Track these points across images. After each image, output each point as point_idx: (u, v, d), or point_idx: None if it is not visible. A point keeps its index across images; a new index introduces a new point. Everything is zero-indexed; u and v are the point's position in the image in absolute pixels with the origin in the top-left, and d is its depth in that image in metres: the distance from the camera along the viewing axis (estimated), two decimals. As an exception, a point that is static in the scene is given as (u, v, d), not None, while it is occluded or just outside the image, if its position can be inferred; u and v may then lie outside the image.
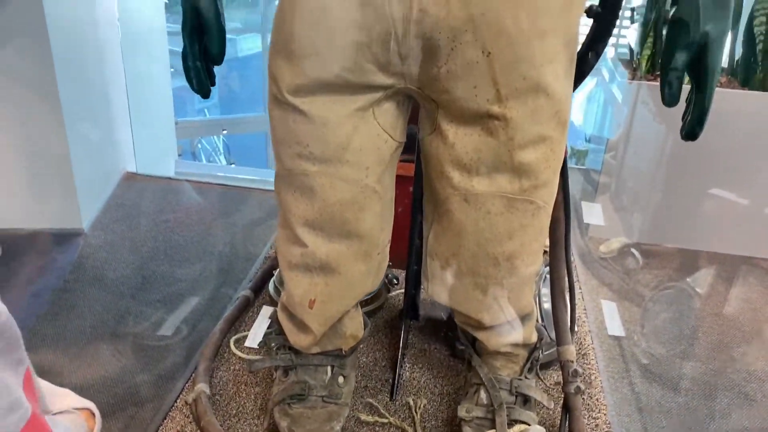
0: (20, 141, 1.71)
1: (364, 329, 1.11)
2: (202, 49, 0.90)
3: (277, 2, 0.84)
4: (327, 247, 0.93)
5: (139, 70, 2.18)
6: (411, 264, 1.25)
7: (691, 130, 0.82)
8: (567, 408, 1.07)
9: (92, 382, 1.20)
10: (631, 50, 2.00)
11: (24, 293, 1.49)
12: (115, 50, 2.05)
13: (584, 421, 1.10)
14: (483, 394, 1.03)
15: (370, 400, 1.17)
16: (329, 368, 1.07)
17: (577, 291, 1.37)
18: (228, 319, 1.33)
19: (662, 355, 1.40)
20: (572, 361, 1.07)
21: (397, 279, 1.47)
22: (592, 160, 2.44)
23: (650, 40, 1.87)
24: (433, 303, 1.36)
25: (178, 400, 1.14)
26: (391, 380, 1.22)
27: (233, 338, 1.31)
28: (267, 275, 1.49)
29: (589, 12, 1.06)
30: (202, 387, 1.13)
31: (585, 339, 1.37)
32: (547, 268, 1.16)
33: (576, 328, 1.34)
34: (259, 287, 1.46)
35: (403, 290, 1.46)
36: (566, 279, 1.11)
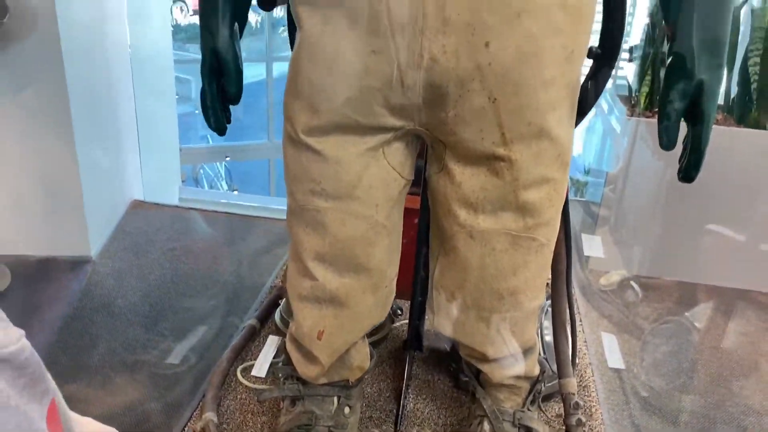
0: (32, 169, 1.75)
1: (370, 360, 1.13)
2: (219, 89, 0.95)
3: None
4: (337, 281, 0.96)
5: (148, 98, 2.23)
6: (416, 295, 1.28)
7: (687, 174, 0.86)
8: (569, 440, 1.09)
9: (101, 411, 1.22)
10: (629, 87, 2.05)
11: (33, 320, 1.51)
12: (125, 78, 2.10)
13: (586, 453, 1.12)
14: (486, 426, 1.05)
15: (375, 431, 1.18)
16: (336, 399, 1.09)
17: (577, 323, 1.39)
18: (235, 348, 1.35)
19: (662, 388, 1.42)
20: (573, 394, 1.09)
21: (401, 310, 1.50)
22: (591, 192, 2.48)
23: (648, 78, 1.92)
24: (437, 334, 1.38)
25: (186, 429, 1.16)
26: (395, 411, 1.24)
27: (240, 367, 1.33)
28: (273, 305, 1.52)
29: (590, 53, 1.11)
30: (210, 416, 1.15)
31: (586, 371, 1.39)
32: (549, 301, 1.18)
33: (577, 361, 1.36)
34: (266, 316, 1.49)
35: (407, 321, 1.48)
36: (567, 312, 1.14)
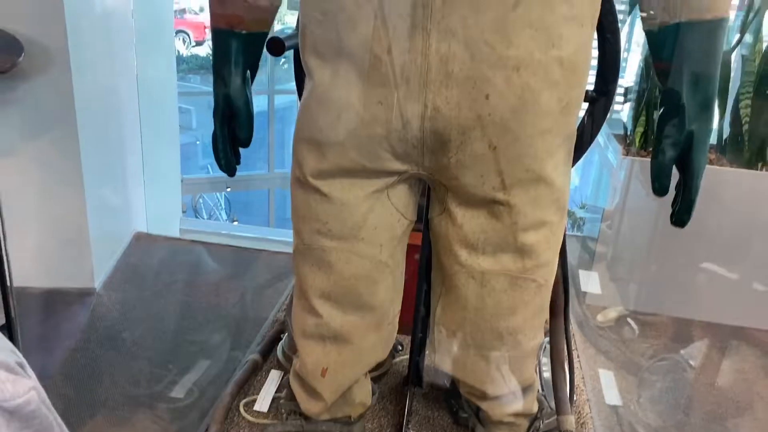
0: (40, 202, 1.78)
1: (372, 396, 1.15)
2: (231, 133, 0.99)
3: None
4: (341, 318, 0.99)
5: (153, 130, 2.27)
6: (416, 332, 1.30)
7: (679, 219, 0.90)
8: (567, 477, 1.10)
9: (105, 444, 1.23)
10: (624, 126, 2.10)
11: (38, 353, 1.52)
12: (133, 111, 2.14)
13: (584, 490, 1.13)
14: (486, 463, 1.07)
15: (376, 466, 1.20)
16: (338, 434, 1.11)
17: (575, 360, 1.41)
18: (237, 383, 1.37)
19: (658, 425, 1.44)
20: (571, 431, 1.11)
21: (402, 345, 1.52)
22: (589, 227, 2.51)
23: (643, 118, 1.97)
24: (437, 370, 1.40)
25: (189, 463, 1.17)
26: (395, 446, 1.25)
27: (243, 402, 1.34)
28: (275, 339, 1.54)
29: (585, 96, 1.16)
30: (213, 450, 1.16)
31: (583, 408, 1.40)
32: (548, 338, 1.21)
33: (575, 397, 1.38)
34: (268, 351, 1.51)
35: (407, 357, 1.50)
36: (565, 350, 1.17)
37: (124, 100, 2.08)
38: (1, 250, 1.14)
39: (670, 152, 0.87)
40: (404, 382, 1.42)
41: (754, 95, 1.83)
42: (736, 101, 1.88)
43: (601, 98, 1.14)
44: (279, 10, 0.98)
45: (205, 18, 8.55)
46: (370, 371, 1.42)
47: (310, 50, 0.87)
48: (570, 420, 1.13)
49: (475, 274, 0.94)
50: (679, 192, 0.91)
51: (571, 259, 2.25)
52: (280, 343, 1.51)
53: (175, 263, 2.05)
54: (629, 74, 2.32)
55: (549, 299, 1.00)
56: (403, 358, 1.53)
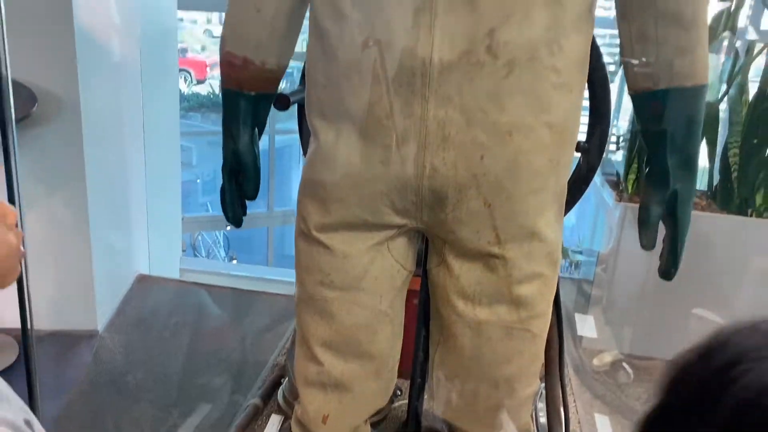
0: (45, 245, 1.82)
1: (371, 442, 1.17)
2: (238, 186, 1.04)
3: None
4: (342, 366, 1.02)
5: (157, 171, 2.32)
6: (415, 377, 1.32)
7: (666, 272, 0.94)
8: None
9: (107, 489, 1.25)
10: (617, 173, 2.16)
11: (41, 396, 1.54)
12: (138, 152, 2.19)
13: None
14: None
15: None
16: (338, 480, 1.13)
17: (571, 404, 1.44)
18: (239, 427, 1.39)
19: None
20: (567, 478, 1.13)
21: (401, 390, 1.54)
22: (585, 270, 2.55)
23: (635, 165, 2.03)
24: (435, 415, 1.42)
25: None
26: (394, 492, 1.27)
27: (243, 446, 1.36)
28: (276, 383, 1.56)
29: (578, 147, 1.21)
30: (214, 496, 1.18)
31: (580, 453, 1.42)
32: (543, 383, 1.24)
33: (571, 443, 1.40)
34: (269, 395, 1.53)
35: (406, 401, 1.52)
36: (561, 397, 1.20)
37: (130, 142, 2.14)
38: (24, 297, 1.17)
39: (656, 209, 0.91)
40: (403, 426, 1.44)
41: (741, 144, 1.90)
42: (725, 149, 1.94)
43: (592, 150, 1.20)
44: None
45: (206, 57, 8.71)
46: (369, 416, 1.44)
47: (315, 112, 0.92)
48: (566, 466, 1.15)
49: (471, 324, 0.98)
50: (665, 247, 0.95)
51: (567, 302, 2.29)
52: (280, 388, 1.53)
53: (176, 306, 2.08)
54: (622, 121, 2.39)
55: (543, 348, 1.04)
56: (402, 402, 1.55)
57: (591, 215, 2.59)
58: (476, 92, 0.81)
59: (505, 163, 0.85)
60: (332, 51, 0.87)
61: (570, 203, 1.22)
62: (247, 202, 1.08)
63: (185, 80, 8.18)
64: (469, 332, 0.98)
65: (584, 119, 1.17)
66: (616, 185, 2.15)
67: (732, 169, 1.94)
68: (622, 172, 2.10)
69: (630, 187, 2.03)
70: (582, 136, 1.22)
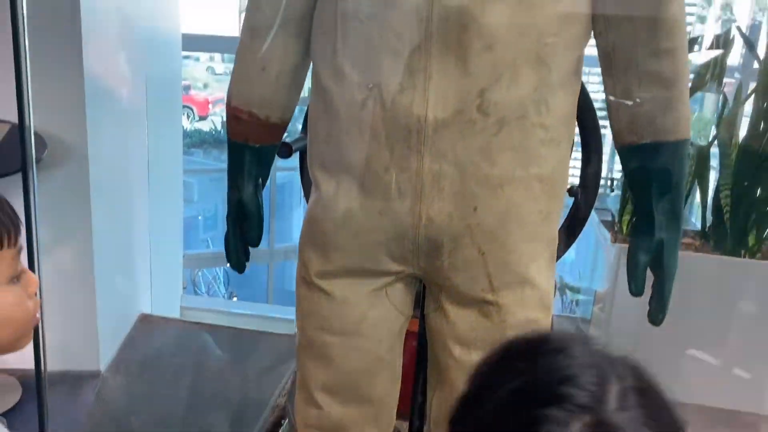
0: (49, 286, 1.84)
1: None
2: (242, 234, 1.08)
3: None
4: (341, 410, 1.05)
5: (160, 212, 2.36)
6: (413, 419, 1.34)
7: (654, 318, 0.98)
8: None
9: None
10: (612, 214, 2.20)
11: (44, 437, 1.56)
12: (143, 192, 2.23)
13: None
14: None
15: None
16: None
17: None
18: (239, 469, 1.40)
19: None
20: None
21: None
22: (582, 309, 2.57)
23: (630, 206, 2.07)
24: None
25: None
26: None
27: (244, 488, 1.37)
28: (276, 425, 1.58)
29: (571, 191, 1.25)
30: None
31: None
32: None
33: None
34: (269, 437, 1.54)
35: (404, 443, 1.53)
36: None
37: (134, 183, 2.18)
38: (39, 340, 1.20)
39: (643, 257, 0.95)
40: (402, 469, 1.45)
41: (732, 187, 1.94)
42: (716, 192, 1.99)
43: (585, 192, 1.24)
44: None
45: (209, 94, 8.82)
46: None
47: (317, 164, 0.97)
48: None
49: (468, 370, 1.00)
50: (652, 294, 0.98)
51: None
52: (281, 429, 1.55)
53: (177, 346, 2.10)
54: (617, 164, 2.44)
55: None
56: (401, 444, 1.56)
57: (590, 252, 2.62)
58: (469, 148, 0.86)
59: (497, 214, 0.90)
60: (333, 108, 0.92)
61: (565, 246, 1.26)
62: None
63: (188, 117, 8.27)
64: (465, 378, 1.01)
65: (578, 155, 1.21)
66: (611, 225, 2.19)
67: (724, 211, 1.98)
68: (616, 213, 2.14)
69: (625, 228, 2.06)
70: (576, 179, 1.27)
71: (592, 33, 0.92)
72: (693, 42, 2.02)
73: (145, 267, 2.30)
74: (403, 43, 0.84)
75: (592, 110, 1.22)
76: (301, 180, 1.40)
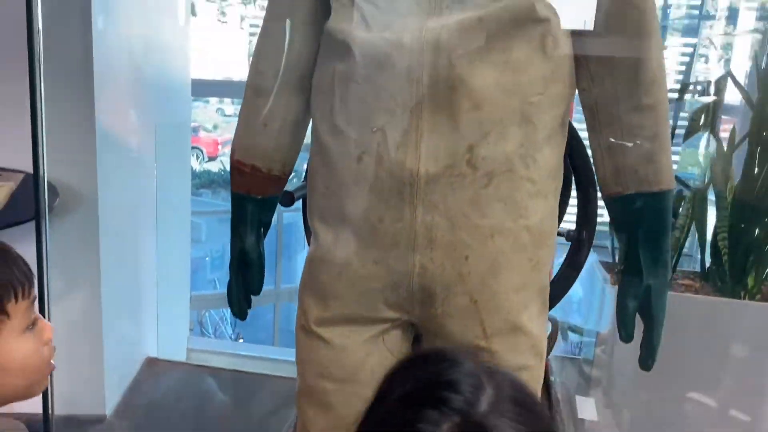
0: (58, 332, 1.87)
1: None
2: (244, 282, 1.11)
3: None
4: (340, 456, 1.07)
5: (167, 255, 2.40)
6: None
7: (644, 363, 1.00)
8: None
9: None
10: (612, 255, 2.22)
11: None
12: (151, 237, 2.28)
13: None
14: None
15: None
16: None
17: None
18: None
19: None
20: None
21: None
22: (585, 350, 2.57)
23: (628, 248, 2.09)
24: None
25: None
26: None
27: None
28: (279, 470, 1.58)
29: (567, 236, 1.28)
30: None
31: None
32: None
33: None
34: (271, 482, 1.55)
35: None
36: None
37: (143, 228, 2.23)
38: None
39: (632, 304, 0.98)
40: None
41: (729, 230, 1.96)
42: (714, 235, 2.01)
43: (581, 237, 1.26)
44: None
45: (218, 135, 8.94)
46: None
47: (316, 216, 1.01)
48: None
49: (462, 414, 1.02)
50: (643, 338, 1.01)
51: (568, 383, 2.30)
52: (283, 474, 1.56)
53: (183, 390, 2.11)
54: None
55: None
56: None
57: (593, 293, 2.63)
58: (459, 200, 0.90)
59: (488, 263, 0.93)
60: (331, 163, 0.96)
61: (561, 292, 1.28)
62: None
63: (197, 158, 8.37)
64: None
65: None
66: (610, 268, 2.21)
67: (722, 253, 2.00)
68: (616, 255, 2.16)
69: (624, 270, 2.08)
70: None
71: (576, 90, 0.97)
72: (685, 88, 2.08)
73: (152, 310, 2.33)
74: (397, 102, 0.89)
75: (586, 156, 1.25)
76: (305, 226, 1.44)
